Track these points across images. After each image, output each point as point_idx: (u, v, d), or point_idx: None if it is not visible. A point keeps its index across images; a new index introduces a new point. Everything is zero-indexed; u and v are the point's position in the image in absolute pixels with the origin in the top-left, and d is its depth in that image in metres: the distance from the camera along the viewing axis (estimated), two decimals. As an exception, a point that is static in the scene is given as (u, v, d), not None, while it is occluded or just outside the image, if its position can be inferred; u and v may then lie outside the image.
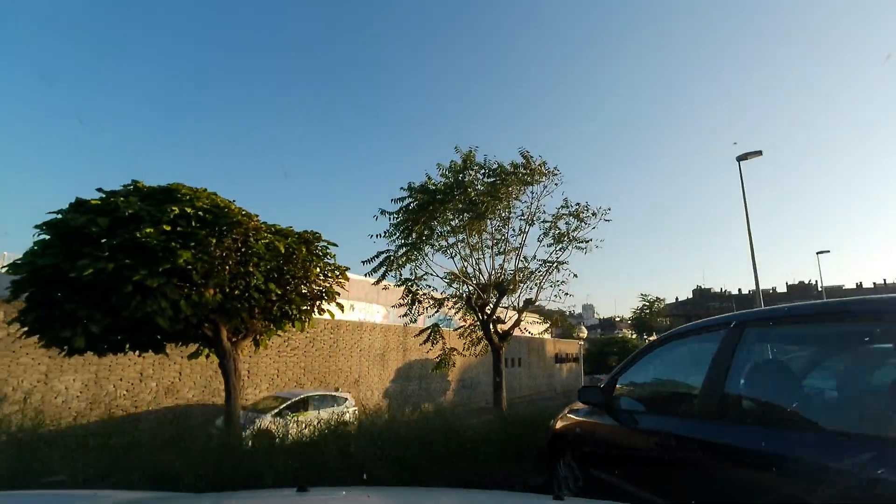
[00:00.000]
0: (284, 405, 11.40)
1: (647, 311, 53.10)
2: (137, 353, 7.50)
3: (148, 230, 5.59)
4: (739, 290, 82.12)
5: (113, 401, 12.34)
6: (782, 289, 77.62)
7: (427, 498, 2.07)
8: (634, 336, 47.70)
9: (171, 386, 13.59)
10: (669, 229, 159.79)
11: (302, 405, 11.80)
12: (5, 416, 5.31)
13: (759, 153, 16.67)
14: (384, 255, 10.96)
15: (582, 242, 11.70)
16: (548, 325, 16.47)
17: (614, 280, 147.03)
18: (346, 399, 13.28)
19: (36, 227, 5.77)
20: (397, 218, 11.00)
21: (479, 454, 4.45)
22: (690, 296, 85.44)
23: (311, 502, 1.62)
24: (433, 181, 11.05)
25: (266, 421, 9.52)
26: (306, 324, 8.26)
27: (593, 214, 11.65)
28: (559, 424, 3.88)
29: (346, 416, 11.44)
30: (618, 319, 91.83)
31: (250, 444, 5.16)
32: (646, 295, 54.03)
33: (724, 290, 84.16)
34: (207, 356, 7.94)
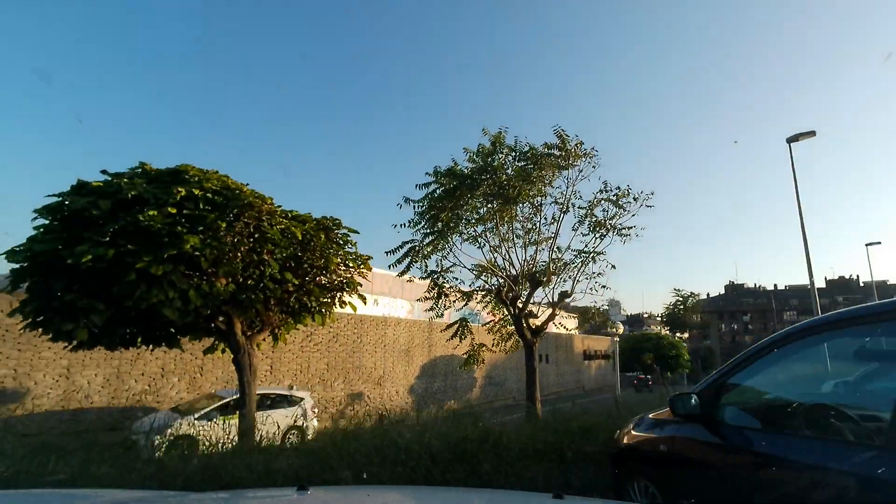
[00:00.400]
0: (215, 406, 9.88)
1: (681, 306, 51.02)
2: (150, 347, 7.09)
3: (151, 213, 5.07)
4: (775, 285, 78.78)
5: (134, 395, 12.14)
6: (820, 283, 74.00)
7: (427, 496, 2.07)
8: (667, 333, 45.93)
9: (193, 381, 13.35)
10: (699, 222, 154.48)
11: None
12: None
13: (813, 133, 15.30)
14: (409, 246, 10.34)
15: (624, 230, 10.76)
16: (585, 318, 15.52)
17: (640, 276, 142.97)
18: (302, 399, 11.83)
19: (35, 211, 5.33)
20: (422, 206, 10.35)
21: (522, 469, 3.77)
22: (722, 291, 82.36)
23: (311, 502, 1.61)
24: (460, 167, 10.37)
25: (182, 424, 8.35)
26: (327, 317, 7.71)
27: (634, 199, 10.70)
28: (628, 439, 3.18)
29: (299, 421, 10.37)
30: (646, 316, 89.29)
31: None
32: (679, 290, 52.01)
33: (758, 286, 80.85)
34: (223, 350, 7.47)
